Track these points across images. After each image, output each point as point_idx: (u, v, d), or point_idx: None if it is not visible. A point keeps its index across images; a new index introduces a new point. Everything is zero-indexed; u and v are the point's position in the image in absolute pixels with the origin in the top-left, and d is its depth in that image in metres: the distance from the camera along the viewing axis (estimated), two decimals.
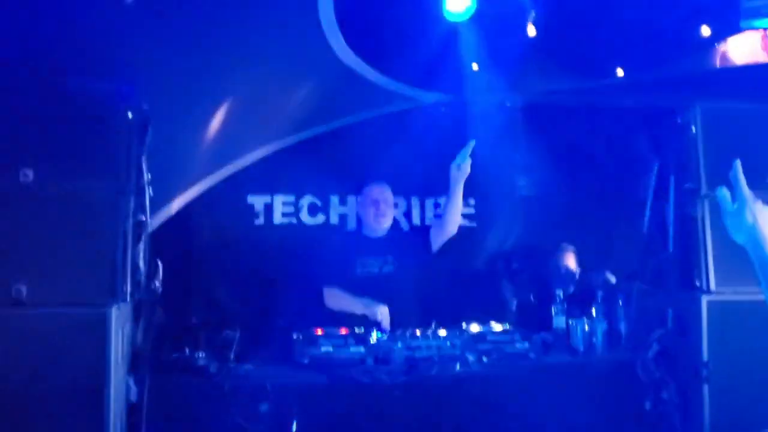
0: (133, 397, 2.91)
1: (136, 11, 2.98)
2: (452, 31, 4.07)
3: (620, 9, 4.02)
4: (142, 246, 2.96)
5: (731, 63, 4.32)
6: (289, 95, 4.18)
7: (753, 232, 1.64)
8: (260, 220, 4.77)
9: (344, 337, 3.26)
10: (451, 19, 3.81)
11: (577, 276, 4.34)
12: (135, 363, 2.97)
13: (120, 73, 2.88)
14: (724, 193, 1.70)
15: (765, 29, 4.20)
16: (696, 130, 3.19)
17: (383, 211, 3.99)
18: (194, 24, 3.23)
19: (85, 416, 2.59)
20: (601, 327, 3.56)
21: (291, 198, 4.85)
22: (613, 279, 3.91)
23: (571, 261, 4.34)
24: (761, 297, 3.04)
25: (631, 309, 3.52)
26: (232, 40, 3.38)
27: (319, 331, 3.29)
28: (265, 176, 4.71)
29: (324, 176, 4.79)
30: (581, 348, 3.49)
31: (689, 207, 3.19)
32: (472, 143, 3.77)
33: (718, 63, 4.35)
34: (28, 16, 2.72)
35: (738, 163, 1.70)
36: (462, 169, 3.81)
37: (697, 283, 3.12)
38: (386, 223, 4.02)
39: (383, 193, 4.02)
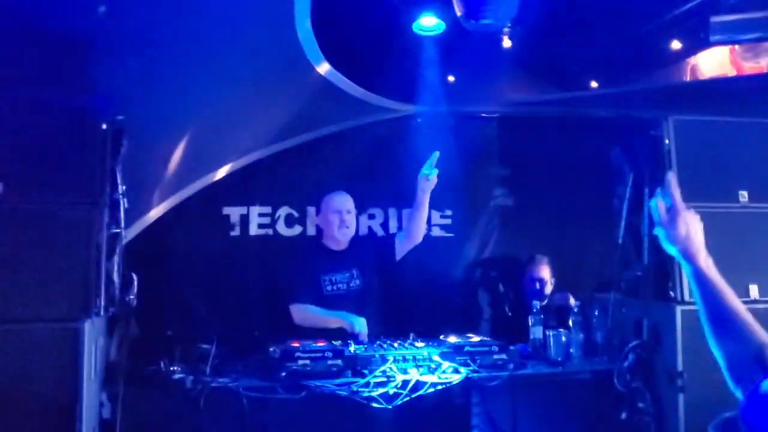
0: (106, 414, 2.87)
1: (111, 24, 2.95)
2: (428, 43, 4.08)
3: (593, 23, 4.06)
4: (116, 259, 2.92)
5: (701, 76, 4.39)
6: (266, 107, 4.15)
7: (685, 243, 1.63)
8: (236, 232, 4.73)
9: (322, 349, 3.23)
10: (422, 33, 3.81)
11: (551, 286, 4.35)
12: (108, 378, 2.92)
13: (95, 85, 2.85)
14: (657, 202, 1.68)
15: (733, 44, 4.27)
16: (669, 143, 3.24)
17: (347, 222, 3.94)
18: (170, 36, 3.20)
19: None
20: (578, 338, 3.58)
21: (267, 209, 4.81)
22: (573, 302, 3.95)
23: (545, 272, 4.36)
24: None
25: (607, 320, 3.55)
26: (208, 52, 3.35)
27: (296, 344, 3.27)
28: (242, 187, 4.66)
29: (301, 187, 4.76)
30: (559, 359, 3.50)
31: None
32: (436, 154, 3.79)
33: (688, 77, 4.42)
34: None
35: (672, 174, 1.70)
36: (430, 179, 3.82)
37: (672, 294, 3.15)
38: (350, 233, 3.98)
39: (346, 203, 3.98)
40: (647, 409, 3.17)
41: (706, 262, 1.62)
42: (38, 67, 2.74)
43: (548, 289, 4.33)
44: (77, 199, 2.63)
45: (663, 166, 3.23)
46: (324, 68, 3.77)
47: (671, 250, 1.66)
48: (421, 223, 3.99)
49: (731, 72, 4.31)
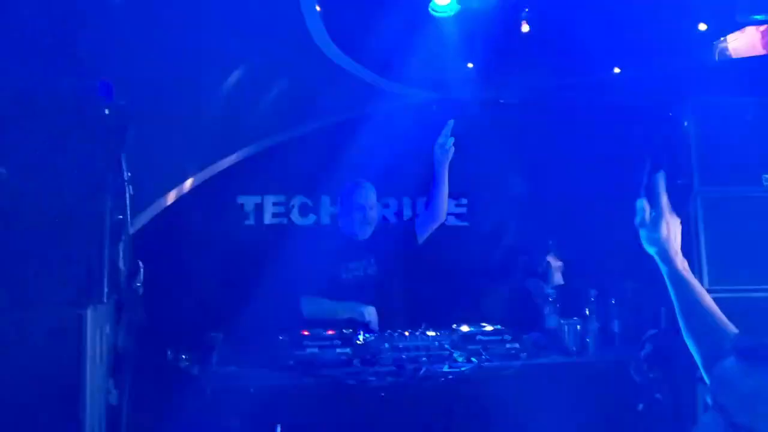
0: (113, 401, 2.86)
1: (119, 8, 2.93)
2: (444, 27, 4.01)
3: (615, 5, 3.95)
4: (121, 246, 2.89)
5: (729, 58, 4.26)
6: (278, 93, 4.12)
7: (665, 245, 1.68)
8: (250, 221, 4.71)
9: (330, 338, 3.19)
10: (435, 13, 3.74)
11: (559, 274, 4.23)
12: (115, 365, 2.91)
13: (101, 70, 2.83)
14: (643, 203, 1.73)
15: (762, 24, 4.13)
16: (688, 125, 3.12)
17: (369, 218, 3.80)
18: (179, 21, 3.17)
19: (61, 420, 2.53)
20: (594, 327, 3.48)
21: (281, 198, 4.78)
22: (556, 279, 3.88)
23: (553, 260, 4.23)
24: (755, 295, 3.01)
25: (624, 308, 3.45)
26: (217, 37, 3.33)
27: (305, 332, 3.23)
28: (256, 176, 4.63)
29: (315, 176, 4.72)
30: (574, 348, 3.42)
31: (682, 204, 3.12)
32: (451, 122, 3.67)
33: (716, 58, 4.28)
34: (3, 12, 2.66)
35: (661, 175, 1.74)
36: (447, 148, 3.69)
37: None
38: (371, 229, 3.84)
39: (368, 198, 3.82)
40: (665, 400, 3.07)
41: (682, 264, 1.69)
42: (41, 52, 2.72)
43: (556, 277, 4.19)
44: (79, 185, 2.60)
45: (681, 149, 3.12)
46: (334, 53, 3.72)
47: (650, 250, 1.72)
48: (443, 200, 3.80)
49: (760, 53, 4.17)
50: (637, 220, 1.72)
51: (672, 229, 1.69)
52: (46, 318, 2.52)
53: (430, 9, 3.75)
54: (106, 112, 2.69)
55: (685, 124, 3.12)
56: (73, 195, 2.61)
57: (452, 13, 3.75)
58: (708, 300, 1.65)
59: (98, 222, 2.63)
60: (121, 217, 2.83)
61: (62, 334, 2.52)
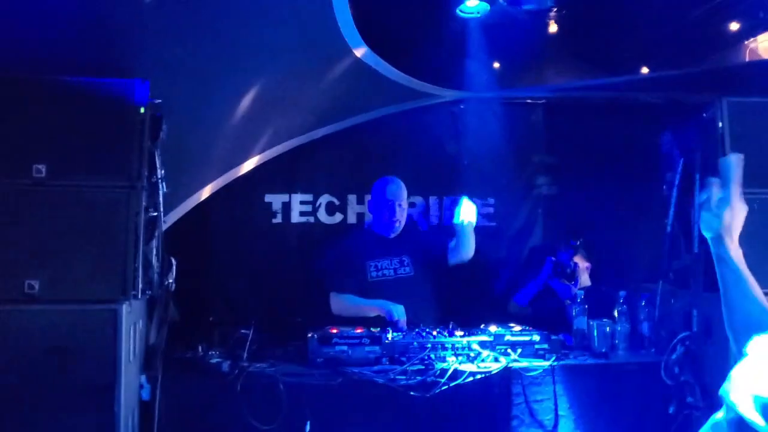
0: (146, 396, 2.89)
1: (153, 8, 2.95)
2: (471, 27, 4.00)
3: (644, 4, 3.91)
4: (155, 243, 2.93)
5: (761, 58, 4.19)
6: (306, 92, 4.13)
7: (722, 232, 1.59)
8: (278, 219, 4.74)
9: (359, 336, 3.20)
10: (463, 14, 3.75)
11: (586, 274, 4.20)
12: (148, 361, 2.95)
13: (135, 69, 2.86)
14: (713, 183, 1.62)
15: None
16: (722, 125, 3.08)
17: (398, 215, 3.89)
18: (210, 20, 3.20)
19: (95, 413, 2.57)
20: (624, 329, 3.46)
21: (309, 197, 4.80)
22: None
23: (580, 261, 4.21)
24: None
25: (655, 310, 3.42)
26: (247, 37, 3.35)
27: (334, 330, 3.25)
28: (283, 175, 4.66)
29: (341, 175, 4.74)
30: (603, 350, 3.39)
31: None
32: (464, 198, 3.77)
33: (747, 59, 4.22)
34: (41, 12, 2.70)
35: (739, 157, 1.62)
36: (469, 223, 3.76)
37: None
38: (401, 224, 3.94)
39: (399, 195, 3.91)
40: (696, 403, 3.04)
41: (736, 252, 1.58)
42: (79, 51, 2.76)
43: (583, 278, 4.17)
44: (115, 182, 2.65)
45: (715, 150, 3.07)
46: (362, 52, 3.72)
47: (706, 234, 1.62)
48: (471, 248, 3.87)
49: None
50: (701, 198, 1.61)
51: (736, 216, 1.58)
52: (81, 313, 2.56)
53: (458, 11, 3.75)
54: (142, 110, 2.73)
55: (720, 125, 3.07)
56: (108, 192, 2.65)
57: (480, 15, 3.75)
58: (758, 293, 1.54)
59: (133, 219, 2.67)
60: (155, 214, 2.86)
61: (97, 330, 2.56)
